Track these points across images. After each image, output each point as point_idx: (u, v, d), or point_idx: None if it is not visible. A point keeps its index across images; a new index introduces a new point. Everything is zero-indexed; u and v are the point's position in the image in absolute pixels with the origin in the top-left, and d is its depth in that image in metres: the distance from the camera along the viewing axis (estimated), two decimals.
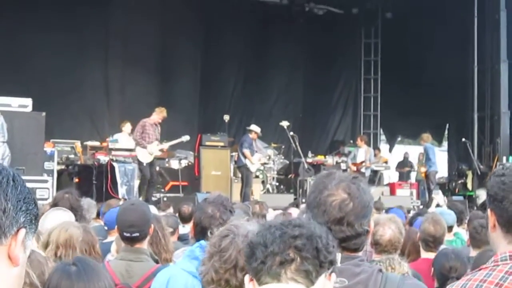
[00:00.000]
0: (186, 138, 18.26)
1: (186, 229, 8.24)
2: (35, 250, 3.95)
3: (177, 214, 9.37)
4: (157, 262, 5.24)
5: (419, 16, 24.55)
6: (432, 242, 6.38)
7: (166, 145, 17.68)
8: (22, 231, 1.79)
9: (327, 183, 2.82)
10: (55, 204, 7.37)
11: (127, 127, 19.54)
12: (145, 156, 16.79)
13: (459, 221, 9.09)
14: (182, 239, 7.95)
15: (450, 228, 7.79)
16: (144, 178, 17.08)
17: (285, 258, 2.23)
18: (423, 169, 21.06)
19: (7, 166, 1.89)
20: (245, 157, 18.41)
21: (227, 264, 3.06)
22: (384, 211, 12.52)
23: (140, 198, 16.34)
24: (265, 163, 20.55)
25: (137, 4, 23.66)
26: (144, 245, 5.18)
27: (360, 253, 2.88)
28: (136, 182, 17.30)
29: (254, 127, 19.07)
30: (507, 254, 2.49)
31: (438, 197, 17.62)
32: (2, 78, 22.26)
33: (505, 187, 2.61)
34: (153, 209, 7.72)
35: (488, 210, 2.66)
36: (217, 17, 26.24)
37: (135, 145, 16.84)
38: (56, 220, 5.78)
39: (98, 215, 9.42)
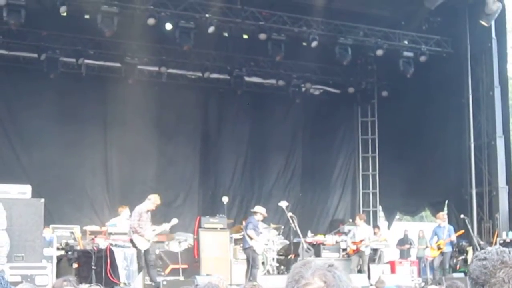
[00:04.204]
0: (174, 221, 17.99)
1: None
2: None
3: None
4: None
5: (415, 94, 24.83)
6: None
7: (159, 229, 17.54)
8: None
9: (304, 272, 2.87)
10: None
11: (125, 212, 19.58)
12: (144, 243, 16.76)
13: None
14: None
15: None
16: (146, 263, 16.99)
17: None
18: (441, 246, 20.70)
19: None
20: (250, 238, 18.36)
21: None
22: None
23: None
24: (265, 244, 20.49)
25: (135, 93, 23.98)
26: None
27: None
28: (136, 266, 17.22)
29: (258, 208, 19.04)
30: None
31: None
32: (3, 165, 22.48)
33: (487, 271, 2.68)
34: None
35: None
36: (215, 99, 26.57)
37: (132, 232, 16.75)
38: None
39: None
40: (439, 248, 20.49)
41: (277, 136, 27.40)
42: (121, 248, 16.46)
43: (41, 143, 23.27)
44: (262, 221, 19.57)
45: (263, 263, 20.14)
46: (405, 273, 20.95)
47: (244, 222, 20.78)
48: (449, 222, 21.84)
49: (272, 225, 22.12)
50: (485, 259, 2.76)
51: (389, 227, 27.99)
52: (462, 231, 21.05)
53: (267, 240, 20.34)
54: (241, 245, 19.50)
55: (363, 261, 20.48)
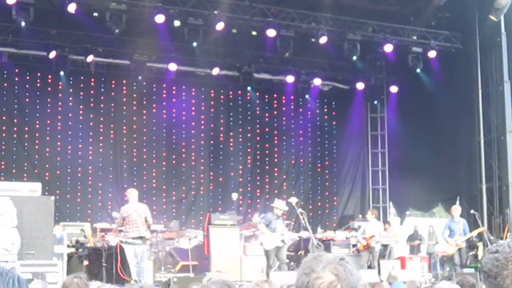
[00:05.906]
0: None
1: None
2: None
3: None
4: None
5: (424, 89, 24.74)
6: None
7: None
8: None
9: (315, 265, 2.86)
10: None
11: None
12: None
13: None
14: None
15: None
16: None
17: None
18: (459, 243, 20.52)
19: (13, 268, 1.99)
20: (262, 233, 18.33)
21: None
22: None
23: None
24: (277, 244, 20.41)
25: (144, 90, 24.04)
26: None
27: None
28: (147, 263, 17.23)
29: (276, 203, 18.84)
30: None
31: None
32: (13, 163, 22.56)
33: (499, 263, 2.68)
34: None
35: (484, 287, 2.74)
36: (224, 96, 26.58)
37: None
38: None
39: None
40: (457, 245, 20.37)
41: (286, 132, 27.44)
42: (131, 245, 16.44)
43: (51, 141, 23.36)
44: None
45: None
46: (415, 269, 20.92)
47: (252, 219, 20.79)
48: (460, 217, 21.70)
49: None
50: (497, 251, 2.76)
51: (401, 223, 27.92)
52: (482, 228, 20.85)
53: (280, 237, 20.27)
54: (251, 241, 19.53)
55: (373, 257, 20.43)
